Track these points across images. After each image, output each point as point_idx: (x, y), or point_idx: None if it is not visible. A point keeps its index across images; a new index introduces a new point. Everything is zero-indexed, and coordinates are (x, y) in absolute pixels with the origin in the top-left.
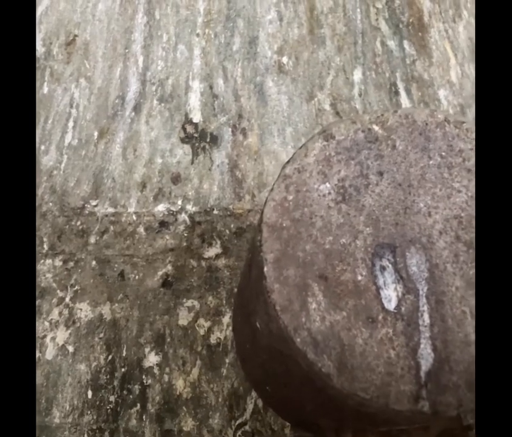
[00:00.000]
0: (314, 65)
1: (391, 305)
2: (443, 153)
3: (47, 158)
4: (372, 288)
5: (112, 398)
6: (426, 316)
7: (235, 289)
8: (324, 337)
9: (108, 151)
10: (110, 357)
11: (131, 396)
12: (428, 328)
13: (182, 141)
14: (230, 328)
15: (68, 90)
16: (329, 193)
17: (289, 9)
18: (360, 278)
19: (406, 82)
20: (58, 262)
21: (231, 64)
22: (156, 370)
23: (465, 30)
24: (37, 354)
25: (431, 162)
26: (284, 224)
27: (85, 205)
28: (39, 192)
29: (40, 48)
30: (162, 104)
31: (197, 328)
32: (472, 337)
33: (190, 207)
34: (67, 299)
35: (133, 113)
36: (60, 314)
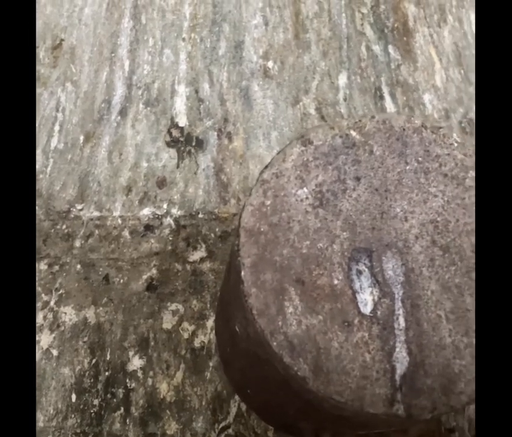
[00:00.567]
0: (299, 69)
1: (367, 309)
2: (420, 159)
3: None
4: (349, 292)
5: (96, 402)
6: (401, 320)
7: (219, 293)
8: (301, 341)
9: (94, 155)
10: (94, 360)
11: (115, 400)
12: (403, 331)
13: (168, 145)
14: (214, 331)
15: (54, 94)
16: (307, 198)
17: (274, 14)
18: (336, 282)
19: (391, 86)
20: (43, 266)
21: (217, 68)
22: (140, 374)
23: (450, 34)
24: None
25: (407, 167)
26: (262, 229)
27: (71, 209)
28: None
29: None
30: (148, 108)
31: (181, 331)
32: (447, 340)
33: (176, 211)
34: (52, 303)
35: (119, 117)
36: (44, 317)
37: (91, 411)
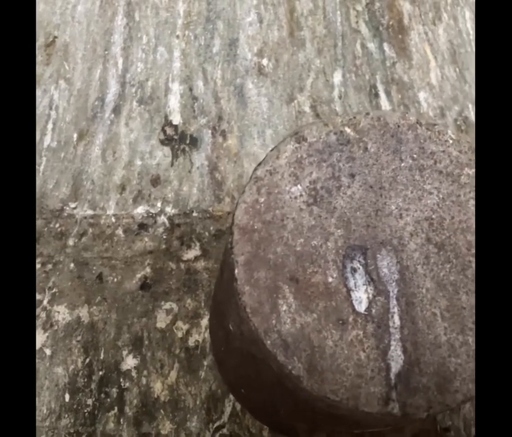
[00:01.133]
0: (294, 67)
1: (362, 307)
2: (415, 156)
3: None
4: (343, 290)
5: (90, 401)
6: (396, 318)
7: (213, 292)
8: (295, 339)
9: (87, 153)
10: (87, 360)
11: (108, 399)
12: (398, 329)
13: (162, 143)
14: (208, 330)
15: (47, 92)
16: (301, 195)
17: (269, 11)
18: (330, 280)
19: (386, 84)
20: (36, 265)
21: (211, 66)
22: (134, 373)
23: (445, 32)
24: None
25: (402, 164)
26: (256, 227)
27: (64, 207)
28: None
29: None
30: (142, 106)
31: (175, 330)
32: (443, 338)
33: (170, 210)
34: (45, 302)
35: (112, 115)
36: (38, 316)
37: (85, 410)
